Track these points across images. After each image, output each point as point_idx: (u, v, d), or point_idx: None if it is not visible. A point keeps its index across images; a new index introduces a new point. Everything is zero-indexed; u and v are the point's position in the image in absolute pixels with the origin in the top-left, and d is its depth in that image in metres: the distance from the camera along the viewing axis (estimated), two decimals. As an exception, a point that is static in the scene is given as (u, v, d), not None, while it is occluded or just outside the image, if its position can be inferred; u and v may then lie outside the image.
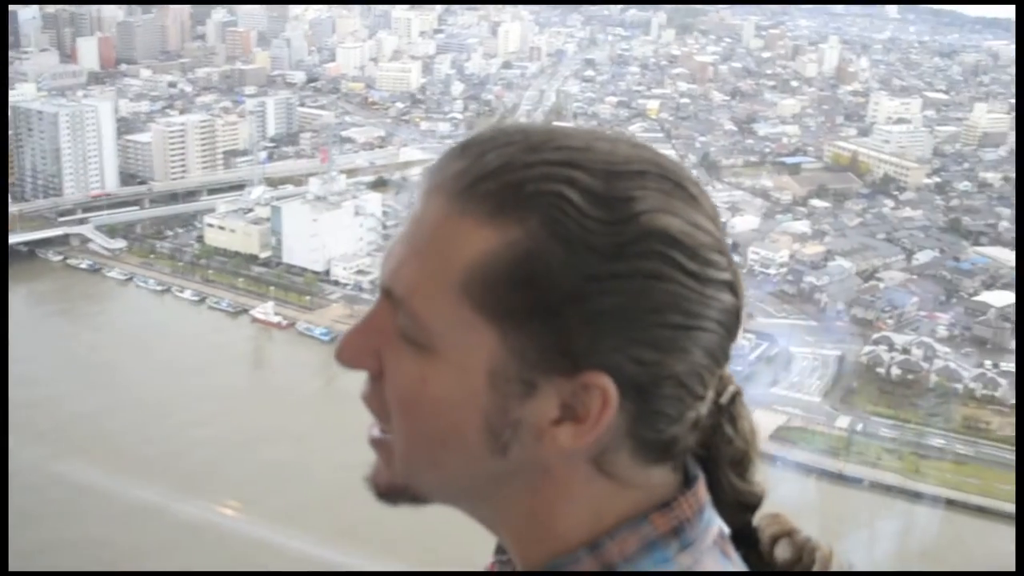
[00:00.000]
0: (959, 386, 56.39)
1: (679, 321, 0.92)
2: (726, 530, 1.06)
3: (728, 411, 1.07)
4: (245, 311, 64.67)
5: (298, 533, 39.22)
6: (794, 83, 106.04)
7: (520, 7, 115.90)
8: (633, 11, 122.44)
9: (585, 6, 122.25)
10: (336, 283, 68.63)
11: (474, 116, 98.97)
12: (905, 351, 58.47)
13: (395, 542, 38.35)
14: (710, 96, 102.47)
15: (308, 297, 66.79)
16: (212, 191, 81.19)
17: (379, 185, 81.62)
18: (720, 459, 1.07)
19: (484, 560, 1.14)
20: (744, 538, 1.08)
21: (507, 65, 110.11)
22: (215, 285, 68.49)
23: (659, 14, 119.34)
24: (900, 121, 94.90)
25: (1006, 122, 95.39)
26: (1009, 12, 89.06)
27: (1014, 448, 51.70)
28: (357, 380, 0.93)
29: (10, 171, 77.04)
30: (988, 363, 58.81)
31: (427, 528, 39.82)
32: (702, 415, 1.01)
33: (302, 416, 49.54)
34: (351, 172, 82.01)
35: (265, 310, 63.71)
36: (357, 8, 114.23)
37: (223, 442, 46.31)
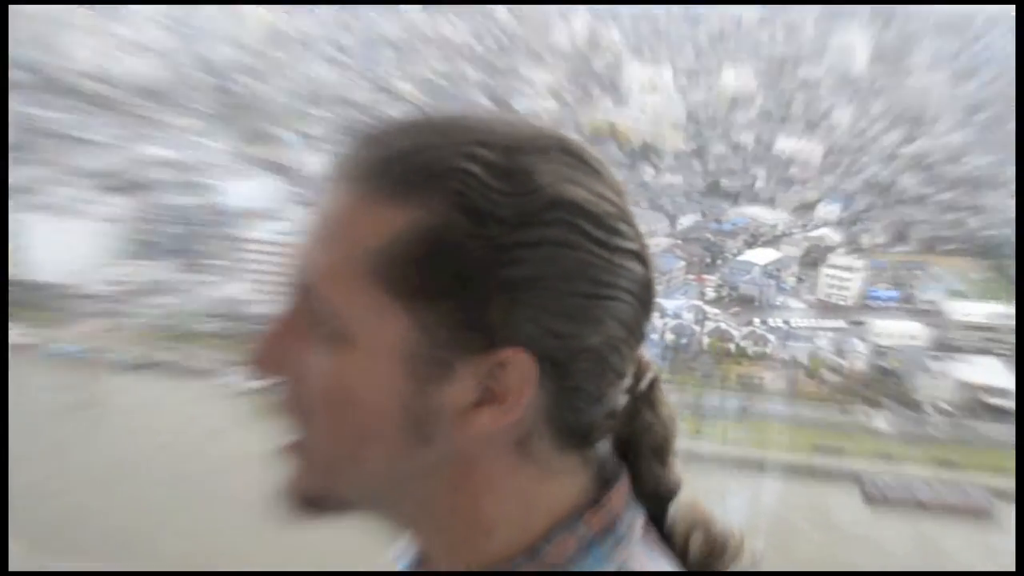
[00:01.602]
0: (731, 345, 56.93)
1: (589, 289, 0.91)
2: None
3: (648, 397, 1.07)
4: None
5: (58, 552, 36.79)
6: (548, 57, 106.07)
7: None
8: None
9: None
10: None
11: (225, 108, 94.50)
12: (676, 316, 58.53)
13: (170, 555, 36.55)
14: (466, 75, 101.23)
15: None
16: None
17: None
18: (641, 447, 1.06)
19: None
20: (661, 528, 1.07)
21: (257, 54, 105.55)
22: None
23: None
24: (654, 89, 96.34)
25: (753, 85, 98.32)
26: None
27: (787, 401, 52.79)
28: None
29: None
30: (757, 320, 59.69)
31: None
32: (621, 402, 1.01)
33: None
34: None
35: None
36: None
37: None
